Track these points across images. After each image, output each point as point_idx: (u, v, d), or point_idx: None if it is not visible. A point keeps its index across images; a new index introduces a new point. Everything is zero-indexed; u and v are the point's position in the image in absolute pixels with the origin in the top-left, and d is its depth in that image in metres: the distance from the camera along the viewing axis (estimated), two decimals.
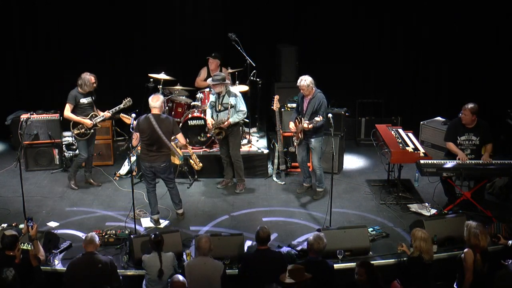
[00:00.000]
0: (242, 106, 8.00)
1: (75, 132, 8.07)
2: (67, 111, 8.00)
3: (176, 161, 7.50)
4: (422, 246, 5.71)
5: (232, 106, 7.96)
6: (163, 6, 10.12)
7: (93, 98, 8.15)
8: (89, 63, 10.12)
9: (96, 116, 8.10)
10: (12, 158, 9.01)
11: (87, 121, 8.02)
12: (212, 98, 8.17)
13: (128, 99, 8.23)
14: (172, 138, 7.22)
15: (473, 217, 7.05)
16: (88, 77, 7.97)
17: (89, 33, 10.13)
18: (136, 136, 7.35)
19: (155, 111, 7.12)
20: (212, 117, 8.13)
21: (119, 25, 10.16)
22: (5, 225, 7.04)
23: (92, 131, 8.13)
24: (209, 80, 8.13)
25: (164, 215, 7.57)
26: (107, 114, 8.16)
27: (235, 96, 7.99)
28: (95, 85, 8.05)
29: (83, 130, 8.04)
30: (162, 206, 7.67)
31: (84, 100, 8.02)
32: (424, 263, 5.71)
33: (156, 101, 7.12)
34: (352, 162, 9.45)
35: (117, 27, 10.16)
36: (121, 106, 8.18)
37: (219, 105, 8.02)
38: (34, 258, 5.68)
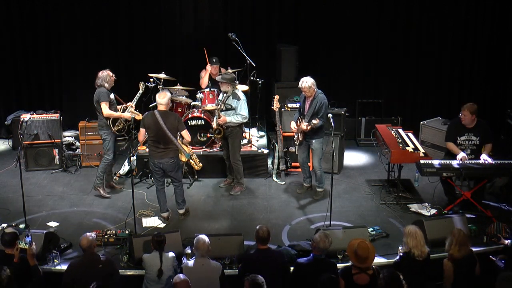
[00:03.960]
0: (243, 111, 7.98)
1: (116, 129, 7.89)
2: (107, 109, 7.77)
3: (183, 158, 7.53)
4: (410, 242, 5.72)
5: (232, 108, 7.96)
6: (163, 6, 10.12)
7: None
8: (89, 63, 10.16)
9: (126, 108, 7.99)
10: (12, 158, 9.02)
11: (127, 114, 7.94)
12: (220, 97, 8.20)
13: (141, 82, 8.18)
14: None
15: (473, 217, 7.09)
16: (106, 73, 7.82)
17: (89, 33, 10.14)
18: (142, 132, 7.32)
19: (161, 107, 7.15)
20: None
21: (119, 24, 10.17)
22: (5, 225, 7.06)
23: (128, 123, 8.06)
24: (218, 77, 8.13)
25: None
26: (132, 105, 8.05)
27: (238, 99, 7.99)
28: (113, 77, 7.92)
29: (121, 125, 7.92)
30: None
31: (112, 96, 7.92)
32: (414, 259, 5.71)
33: (162, 98, 7.16)
34: (352, 162, 9.46)
35: (117, 27, 10.18)
36: (138, 95, 8.10)
37: (222, 105, 8.04)
38: (32, 258, 5.67)
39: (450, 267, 5.69)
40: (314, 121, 7.56)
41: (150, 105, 8.91)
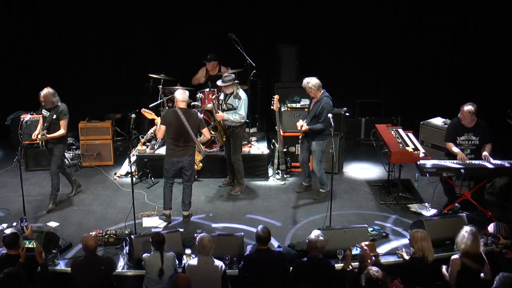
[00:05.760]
0: (242, 110, 7.96)
1: None
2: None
3: (199, 156, 7.52)
4: (424, 246, 5.70)
5: (234, 108, 7.97)
6: (163, 6, 10.12)
7: (55, 116, 7.58)
8: (89, 63, 10.17)
9: (43, 134, 7.57)
10: (12, 158, 9.01)
11: (36, 132, 7.69)
12: (221, 96, 8.22)
13: (44, 132, 7.62)
14: None
15: (473, 217, 7.08)
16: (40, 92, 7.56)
17: (89, 33, 10.13)
18: (163, 129, 7.22)
19: (181, 105, 7.15)
20: None
21: (119, 25, 10.17)
22: (5, 225, 7.06)
23: (40, 143, 7.69)
24: (219, 82, 8.11)
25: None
26: (41, 137, 7.58)
27: (239, 99, 7.99)
28: (42, 103, 7.58)
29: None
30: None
31: (43, 112, 7.71)
32: (427, 263, 5.71)
33: (183, 95, 7.16)
34: (352, 162, 9.46)
35: (117, 27, 10.17)
36: (46, 135, 7.60)
37: (224, 104, 8.05)
38: (40, 256, 5.64)
39: (459, 266, 5.63)
40: (306, 126, 7.66)
41: (150, 105, 8.93)
